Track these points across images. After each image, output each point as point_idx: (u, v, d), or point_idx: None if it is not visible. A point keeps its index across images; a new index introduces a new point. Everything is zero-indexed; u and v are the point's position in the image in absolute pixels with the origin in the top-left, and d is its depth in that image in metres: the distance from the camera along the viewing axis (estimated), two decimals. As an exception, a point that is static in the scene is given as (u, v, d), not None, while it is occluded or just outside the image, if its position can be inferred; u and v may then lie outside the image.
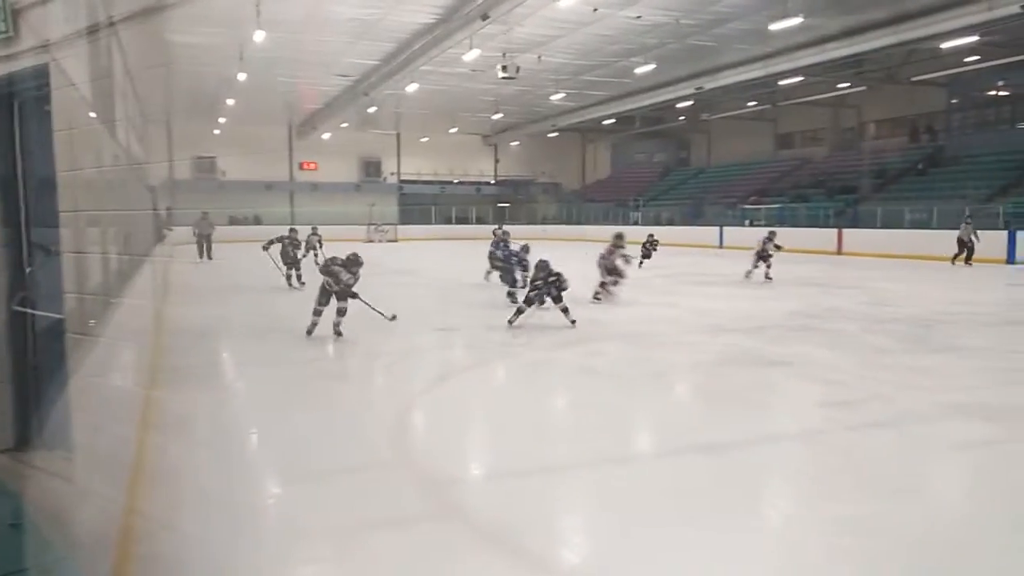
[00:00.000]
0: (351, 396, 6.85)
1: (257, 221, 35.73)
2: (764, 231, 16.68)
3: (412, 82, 27.19)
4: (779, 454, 5.19)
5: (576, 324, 9.56)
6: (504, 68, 21.95)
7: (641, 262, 18.01)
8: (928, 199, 23.36)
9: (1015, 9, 17.82)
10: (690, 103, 32.81)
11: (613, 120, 38.54)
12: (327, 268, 9.27)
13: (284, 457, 5.04)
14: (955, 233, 19.33)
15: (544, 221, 41.01)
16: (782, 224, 26.02)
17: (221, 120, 36.18)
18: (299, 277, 14.75)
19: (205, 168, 37.86)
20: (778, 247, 15.73)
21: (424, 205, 40.99)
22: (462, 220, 40.66)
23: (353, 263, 9.12)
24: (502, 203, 45.28)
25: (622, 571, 3.38)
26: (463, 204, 42.65)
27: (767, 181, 34.47)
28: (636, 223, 35.30)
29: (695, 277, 17.62)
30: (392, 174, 44.29)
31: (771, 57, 24.46)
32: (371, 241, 34.96)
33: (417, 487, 4.44)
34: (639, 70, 26.08)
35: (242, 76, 25.76)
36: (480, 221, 41.82)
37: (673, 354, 8.55)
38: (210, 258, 21.60)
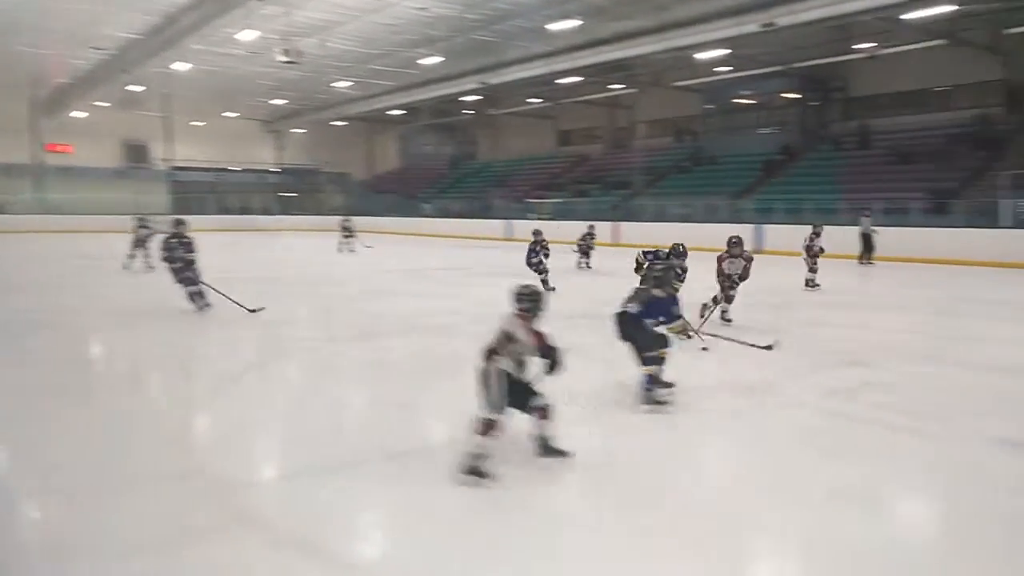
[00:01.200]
0: (126, 400, 6.10)
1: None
2: (568, 224, 17.74)
3: (181, 60, 25.08)
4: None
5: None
6: (285, 52, 20.88)
7: (583, 261, 17.23)
8: (691, 195, 25.70)
9: (755, 28, 20.16)
10: (476, 97, 33.44)
11: (401, 111, 38.29)
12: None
13: (40, 471, 4.37)
14: (718, 227, 21.39)
15: (332, 212, 39.58)
16: (564, 217, 27.37)
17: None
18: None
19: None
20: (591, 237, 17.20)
21: (199, 193, 37.96)
22: (244, 211, 38.29)
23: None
24: (285, 192, 43.25)
25: (421, 563, 3.30)
26: (243, 193, 40.21)
27: (549, 176, 36.07)
28: (426, 215, 35.39)
29: (484, 268, 17.96)
30: (162, 160, 40.51)
31: (551, 56, 25.62)
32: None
33: (207, 496, 4.05)
34: (424, 61, 26.13)
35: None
36: (265, 212, 39.70)
37: (461, 345, 8.59)
38: None
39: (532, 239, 13.05)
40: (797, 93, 28.47)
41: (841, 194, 21.39)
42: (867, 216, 17.46)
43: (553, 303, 5.38)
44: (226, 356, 7.88)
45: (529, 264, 12.65)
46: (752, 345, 6.99)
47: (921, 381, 6.71)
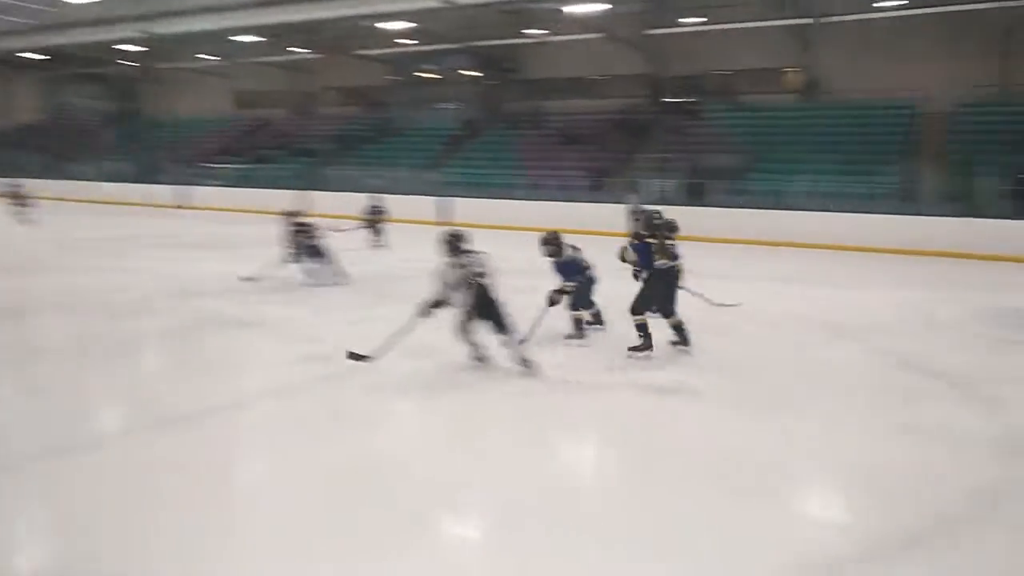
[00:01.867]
0: None
1: None
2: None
3: None
4: (255, 414, 5.17)
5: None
6: None
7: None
8: (382, 165, 25.82)
9: (436, 4, 20.82)
10: (140, 48, 29.88)
11: (43, 56, 32.79)
12: None
13: None
14: (409, 198, 21.76)
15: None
16: (248, 185, 25.83)
17: None
18: None
19: None
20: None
21: None
22: None
23: None
24: None
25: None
26: None
27: (229, 140, 33.66)
28: (86, 179, 30.89)
29: (156, 240, 16.28)
30: None
31: (225, 11, 23.84)
32: None
33: None
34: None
35: None
36: None
37: (140, 322, 7.76)
38: None
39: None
40: (477, 71, 30.00)
41: (516, 170, 23.14)
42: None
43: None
44: None
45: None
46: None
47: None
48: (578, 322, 7.26)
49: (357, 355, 6.06)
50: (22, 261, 11.96)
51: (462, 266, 5.96)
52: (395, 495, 3.83)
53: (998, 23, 19.88)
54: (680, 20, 23.81)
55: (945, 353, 7.14)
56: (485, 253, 6.09)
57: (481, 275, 5.94)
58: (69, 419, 4.88)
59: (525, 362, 6.05)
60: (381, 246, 15.12)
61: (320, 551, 3.24)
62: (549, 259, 7.07)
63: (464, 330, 6.14)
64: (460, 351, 6.26)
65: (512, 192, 20.56)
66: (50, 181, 29.41)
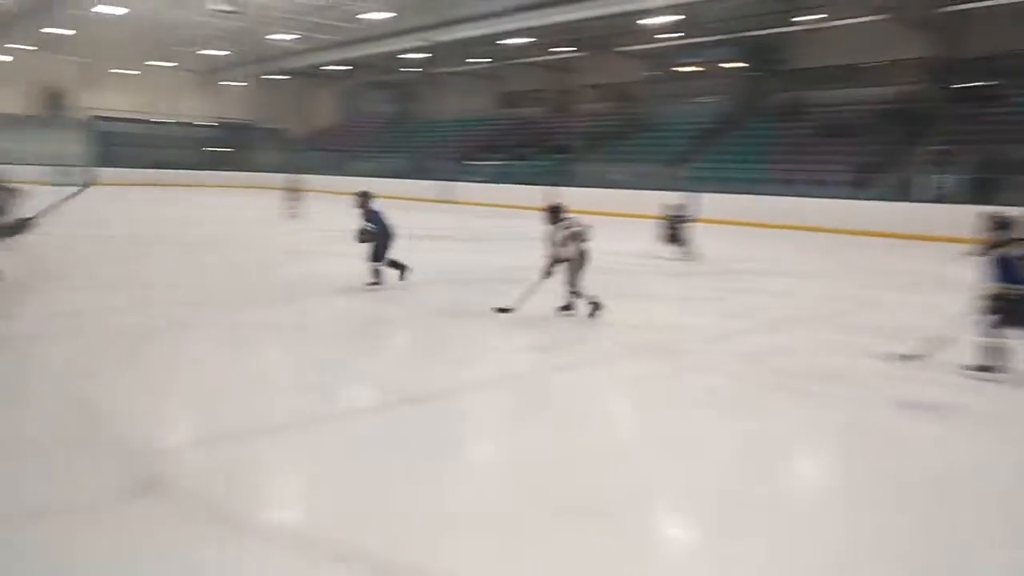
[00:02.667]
0: (25, 363, 5.85)
1: None
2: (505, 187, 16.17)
3: (107, 4, 23.78)
4: (485, 397, 5.43)
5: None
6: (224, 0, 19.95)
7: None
8: (630, 161, 25.84)
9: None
10: (420, 55, 32.78)
11: (342, 67, 37.29)
12: None
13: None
14: (653, 194, 21.49)
15: (266, 169, 38.37)
16: (504, 181, 27.22)
17: None
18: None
19: None
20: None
21: (126, 146, 36.31)
22: (172, 164, 36.82)
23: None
24: (216, 147, 41.73)
25: (337, 528, 3.29)
26: (173, 147, 38.67)
27: (491, 138, 35.74)
28: (362, 175, 34.66)
29: (419, 232, 17.76)
30: (82, 108, 38.46)
31: (498, 16, 25.23)
32: (57, 185, 30.41)
33: (113, 462, 3.92)
34: (368, 15, 25.42)
35: None
36: (195, 167, 38.28)
37: (391, 306, 8.53)
38: None
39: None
40: (740, 63, 28.72)
41: (770, 165, 21.82)
42: None
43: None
44: (136, 321, 7.55)
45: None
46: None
47: (826, 347, 6.95)
48: (375, 272, 8.98)
49: (502, 308, 7.55)
50: (301, 248, 13.71)
51: (566, 228, 7.53)
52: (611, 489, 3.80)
53: None
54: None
55: None
56: (579, 220, 7.62)
57: (581, 235, 7.55)
58: (323, 392, 5.48)
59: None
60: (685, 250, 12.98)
61: (539, 532, 3.31)
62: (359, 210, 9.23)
63: (571, 283, 7.55)
64: (685, 348, 6.05)
65: (762, 188, 19.40)
66: (335, 177, 33.18)
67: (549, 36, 28.58)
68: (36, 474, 3.73)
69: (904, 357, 6.09)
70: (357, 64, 36.25)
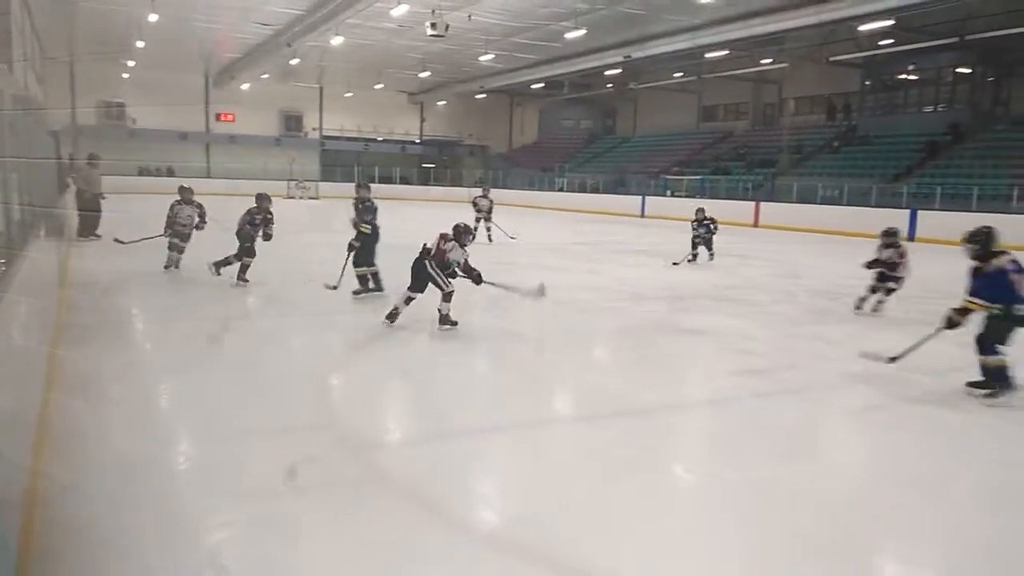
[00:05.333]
0: (269, 357, 6.69)
1: (170, 173, 34.17)
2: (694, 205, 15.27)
3: (337, 35, 26.32)
4: (692, 419, 5.41)
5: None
6: (433, 25, 21.46)
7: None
8: (840, 176, 24.34)
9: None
10: (618, 71, 32.99)
11: (542, 84, 38.39)
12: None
13: (198, 418, 4.92)
14: (866, 211, 20.16)
15: (476, 183, 40.41)
16: (702, 196, 26.66)
17: (130, 63, 34.21)
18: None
19: (113, 115, 35.95)
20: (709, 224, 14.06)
21: (347, 163, 40.00)
22: (385, 179, 39.89)
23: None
24: (427, 164, 44.66)
25: (542, 529, 3.48)
26: (387, 163, 41.89)
27: (690, 152, 35.15)
28: (561, 189, 35.48)
29: (618, 246, 17.90)
30: (314, 129, 43.00)
31: (698, 29, 24.81)
32: (291, 198, 34.09)
33: (341, 450, 4.42)
34: (569, 35, 26.01)
35: (153, 17, 24.33)
36: (404, 181, 41.18)
37: (596, 320, 8.72)
38: (96, 236, 13.87)
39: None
40: (970, 67, 26.10)
41: (1009, 180, 19.58)
42: None
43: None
44: (360, 320, 8.29)
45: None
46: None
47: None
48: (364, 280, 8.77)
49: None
50: (503, 259, 14.28)
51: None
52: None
53: None
54: None
55: None
56: None
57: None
58: (530, 397, 5.75)
59: None
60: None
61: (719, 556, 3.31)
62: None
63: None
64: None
65: (1006, 206, 17.46)
66: (535, 192, 34.09)
67: (753, 48, 27.63)
68: (275, 457, 4.19)
69: None
70: (557, 81, 37.13)
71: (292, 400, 5.26)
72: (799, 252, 17.52)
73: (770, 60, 29.82)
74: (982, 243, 5.46)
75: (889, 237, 8.95)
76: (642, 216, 28.62)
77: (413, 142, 45.76)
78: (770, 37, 25.23)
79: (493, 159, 45.80)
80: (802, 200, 23.84)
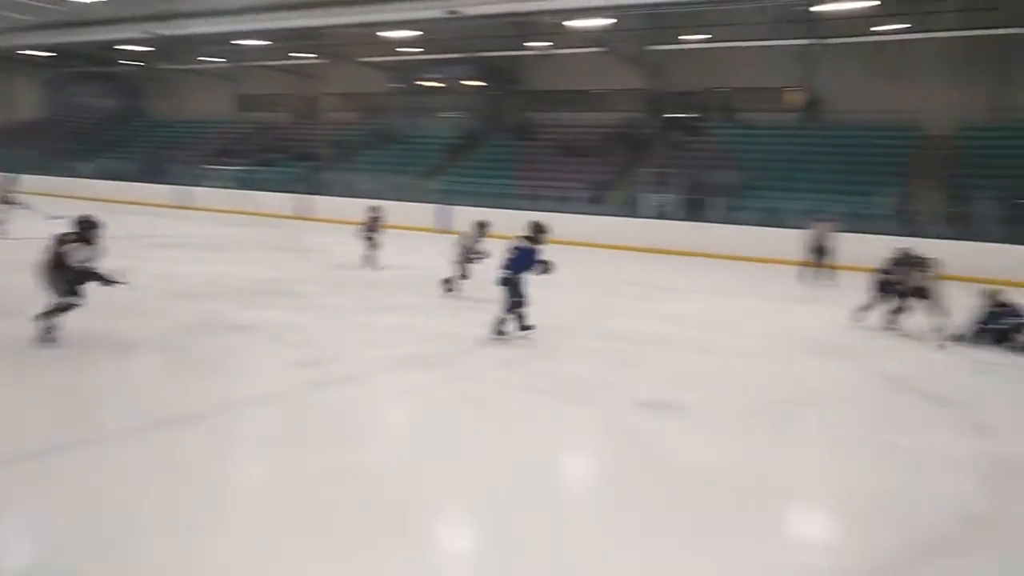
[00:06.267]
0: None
1: None
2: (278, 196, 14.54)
3: None
4: (244, 419, 5.18)
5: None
6: None
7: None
8: (380, 171, 25.86)
9: (440, 14, 20.95)
10: (146, 48, 29.99)
11: (47, 53, 32.91)
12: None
13: None
14: (407, 204, 21.83)
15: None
16: (248, 187, 25.86)
17: None
18: None
19: None
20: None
21: None
22: None
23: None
24: None
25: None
26: None
27: (231, 141, 33.70)
28: (82, 176, 30.85)
29: (156, 239, 16.27)
30: None
31: (233, 14, 23.92)
32: None
33: None
34: (80, -1, 22.73)
35: None
36: None
37: (138, 322, 7.76)
38: None
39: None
40: (480, 81, 30.11)
41: (516, 180, 23.18)
42: (825, 222, 14.58)
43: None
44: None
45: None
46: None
47: (579, 353, 7.61)
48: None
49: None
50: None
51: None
52: (377, 499, 3.84)
53: (994, 49, 20.01)
54: (681, 37, 23.88)
55: (932, 374, 7.17)
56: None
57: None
58: (63, 416, 4.88)
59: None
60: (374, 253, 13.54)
61: (294, 551, 3.25)
62: None
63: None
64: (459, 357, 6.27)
65: (511, 202, 20.57)
66: (48, 178, 29.32)
67: (289, 41, 27.80)
68: None
69: None
70: (66, 51, 32.19)
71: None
72: (350, 244, 18.15)
73: (309, 54, 30.31)
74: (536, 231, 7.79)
75: (484, 228, 10.82)
76: (183, 207, 26.55)
77: None
78: (307, 32, 25.61)
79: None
80: (346, 194, 24.74)
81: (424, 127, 29.55)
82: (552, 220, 18.58)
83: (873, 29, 21.03)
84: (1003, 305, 8.57)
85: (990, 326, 8.46)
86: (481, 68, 29.38)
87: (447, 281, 10.47)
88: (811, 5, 18.70)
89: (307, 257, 14.84)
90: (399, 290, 11.03)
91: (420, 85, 31.26)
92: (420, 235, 19.49)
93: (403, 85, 31.40)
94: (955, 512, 4.12)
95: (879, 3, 18.09)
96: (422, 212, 21.57)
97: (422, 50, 27.68)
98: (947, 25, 19.14)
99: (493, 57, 27.61)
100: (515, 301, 7.49)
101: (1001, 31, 18.73)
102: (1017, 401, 6.43)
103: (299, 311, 8.76)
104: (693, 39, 23.66)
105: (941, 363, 7.72)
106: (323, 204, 24.58)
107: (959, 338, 8.37)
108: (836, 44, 21.65)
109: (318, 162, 28.27)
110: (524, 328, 7.60)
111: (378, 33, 24.52)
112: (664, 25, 23.15)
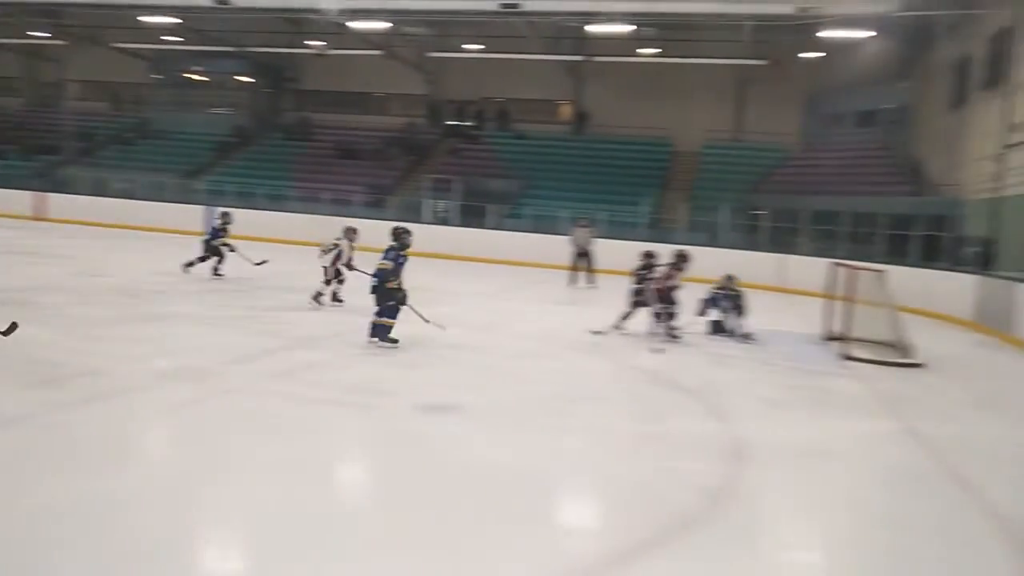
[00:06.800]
0: None
1: None
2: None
3: None
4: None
5: None
6: None
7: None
8: (134, 169, 23.62)
9: (208, 2, 19.68)
10: None
11: None
12: None
13: None
14: (163, 205, 20.02)
15: None
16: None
17: None
18: None
19: None
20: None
21: None
22: None
23: None
24: None
25: None
26: None
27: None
28: None
29: None
30: None
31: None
32: None
33: None
34: None
35: None
36: None
37: None
38: None
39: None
40: (251, 77, 28.62)
41: (290, 181, 22.34)
42: (584, 227, 15.32)
43: None
44: None
45: None
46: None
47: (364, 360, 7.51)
48: None
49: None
50: None
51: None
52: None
53: (736, 77, 22.79)
54: (463, 46, 24.44)
55: (678, 368, 8.00)
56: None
57: None
58: None
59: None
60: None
61: None
62: None
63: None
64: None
65: (284, 204, 19.82)
66: None
67: (23, 17, 24.56)
68: None
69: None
70: None
71: None
72: (97, 248, 16.38)
73: (48, 34, 26.95)
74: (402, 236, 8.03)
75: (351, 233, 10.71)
76: None
77: None
78: (46, 8, 22.83)
79: None
80: (94, 192, 22.35)
81: (189, 123, 27.49)
82: (329, 224, 18.31)
83: (638, 51, 22.97)
84: (724, 289, 9.75)
85: (709, 309, 9.71)
86: (254, 64, 28.04)
87: (319, 295, 10.04)
88: (584, 24, 20.03)
89: (46, 262, 13.19)
90: (162, 298, 10.16)
91: (184, 78, 29.09)
92: (186, 238, 18.15)
93: (163, 76, 29.03)
94: (698, 489, 4.61)
95: (639, 28, 19.76)
96: (185, 213, 20.10)
97: (184, 40, 25.70)
98: (697, 53, 21.42)
99: (267, 53, 26.41)
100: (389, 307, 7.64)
101: (740, 61, 21.32)
102: (743, 389, 7.35)
103: (39, 324, 7.75)
104: (472, 48, 24.31)
105: (685, 357, 8.61)
106: (64, 203, 22.07)
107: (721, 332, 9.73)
108: (603, 63, 23.37)
109: (59, 156, 25.30)
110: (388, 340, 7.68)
111: (138, 18, 22.38)
112: (444, 33, 23.58)
